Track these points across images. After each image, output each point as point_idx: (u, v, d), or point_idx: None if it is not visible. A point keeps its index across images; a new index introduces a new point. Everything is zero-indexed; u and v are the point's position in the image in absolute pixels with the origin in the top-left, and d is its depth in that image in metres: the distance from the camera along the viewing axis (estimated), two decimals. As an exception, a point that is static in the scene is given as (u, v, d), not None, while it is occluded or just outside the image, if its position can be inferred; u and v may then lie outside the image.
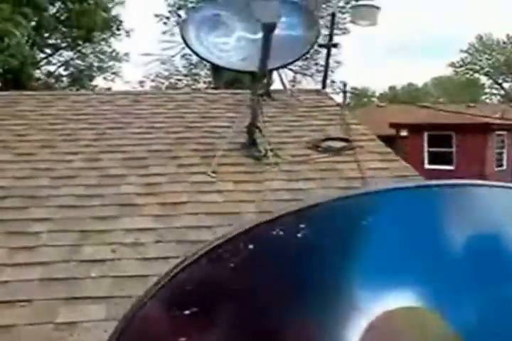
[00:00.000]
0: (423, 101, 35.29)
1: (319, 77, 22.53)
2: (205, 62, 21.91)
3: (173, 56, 23.10)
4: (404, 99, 45.72)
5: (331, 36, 5.32)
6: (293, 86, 19.64)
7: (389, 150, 4.61)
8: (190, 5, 22.70)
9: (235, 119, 4.59)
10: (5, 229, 3.17)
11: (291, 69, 17.29)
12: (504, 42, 46.35)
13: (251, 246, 1.00)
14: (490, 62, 47.21)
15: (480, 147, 19.05)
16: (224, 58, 3.93)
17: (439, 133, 19.80)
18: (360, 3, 5.73)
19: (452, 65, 48.70)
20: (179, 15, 23.23)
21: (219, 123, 4.90)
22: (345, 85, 5.59)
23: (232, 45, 4.02)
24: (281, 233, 1.00)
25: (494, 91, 50.52)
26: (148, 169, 4.04)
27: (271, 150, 4.21)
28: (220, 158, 4.06)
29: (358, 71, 58.42)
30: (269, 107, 5.04)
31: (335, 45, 5.48)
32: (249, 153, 4.25)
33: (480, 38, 46.84)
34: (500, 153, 20.48)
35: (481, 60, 47.62)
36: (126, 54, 23.58)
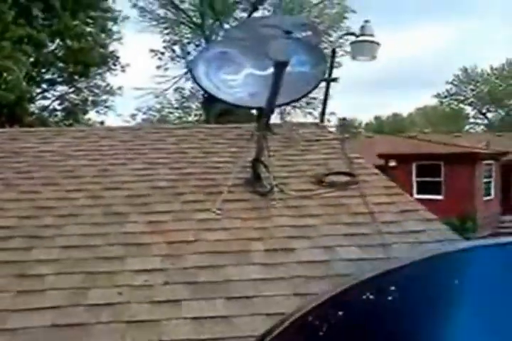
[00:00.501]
0: (408, 131, 35.61)
1: (307, 109, 22.80)
2: (197, 95, 22.17)
3: (166, 90, 23.35)
4: (390, 129, 46.19)
5: (330, 71, 5.36)
6: (282, 118, 19.78)
7: (393, 184, 4.58)
8: (185, 40, 23.12)
9: (237, 154, 4.54)
10: (9, 271, 3.06)
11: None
12: (488, 74, 47.40)
13: (340, 313, 0.93)
14: (474, 92, 48.12)
15: (468, 176, 19.13)
16: (232, 94, 3.93)
17: (428, 163, 19.89)
18: (360, 39, 5.81)
19: (438, 95, 49.61)
20: (173, 51, 23.65)
21: (221, 158, 4.85)
22: (344, 119, 5.61)
23: (240, 82, 4.01)
24: (371, 297, 0.93)
25: (478, 121, 51.32)
26: (152, 206, 3.96)
27: (276, 185, 4.16)
28: (224, 194, 3.99)
29: (344, 101, 59.27)
30: (271, 142, 5.01)
31: (334, 80, 5.51)
32: (254, 188, 4.19)
33: (465, 70, 47.85)
34: (488, 182, 20.58)
35: (465, 91, 48.52)
36: (120, 88, 23.60)
